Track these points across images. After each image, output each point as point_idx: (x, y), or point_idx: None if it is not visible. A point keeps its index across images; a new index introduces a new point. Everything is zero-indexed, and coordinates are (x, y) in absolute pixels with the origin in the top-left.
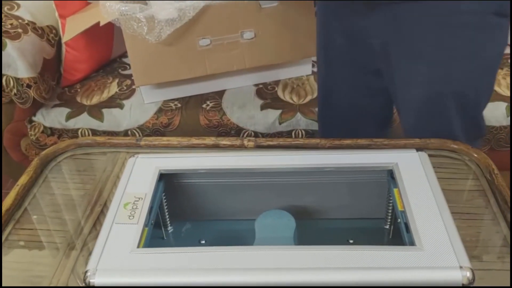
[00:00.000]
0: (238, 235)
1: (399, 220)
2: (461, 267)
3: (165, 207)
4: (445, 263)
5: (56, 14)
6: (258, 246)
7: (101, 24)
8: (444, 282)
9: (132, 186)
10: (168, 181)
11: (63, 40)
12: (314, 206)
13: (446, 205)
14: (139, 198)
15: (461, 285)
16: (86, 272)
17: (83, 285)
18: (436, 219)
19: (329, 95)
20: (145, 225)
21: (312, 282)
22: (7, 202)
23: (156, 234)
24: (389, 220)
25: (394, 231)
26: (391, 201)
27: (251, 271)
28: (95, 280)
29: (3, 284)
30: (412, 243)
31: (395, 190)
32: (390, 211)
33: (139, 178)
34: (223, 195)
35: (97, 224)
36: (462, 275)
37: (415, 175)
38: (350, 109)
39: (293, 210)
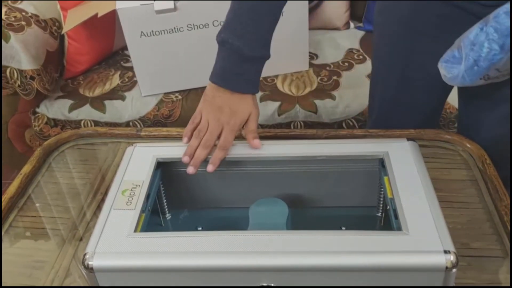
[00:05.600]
0: (234, 222)
1: (388, 207)
2: (445, 251)
3: (163, 195)
4: (430, 247)
5: (58, 6)
6: (251, 231)
7: (99, 15)
8: (428, 265)
9: (130, 174)
10: (165, 170)
11: (63, 31)
12: (307, 195)
13: (433, 192)
14: (136, 185)
15: (445, 268)
16: (85, 255)
17: (82, 267)
18: (423, 205)
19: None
20: (142, 211)
21: (301, 265)
22: (10, 190)
23: (155, 221)
24: (380, 208)
25: (385, 219)
26: (382, 189)
27: (245, 254)
28: (93, 263)
29: (5, 268)
30: (399, 228)
31: (386, 178)
32: (381, 199)
33: (137, 166)
34: (219, 183)
35: (98, 212)
36: (446, 259)
37: (405, 164)
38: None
39: (287, 198)
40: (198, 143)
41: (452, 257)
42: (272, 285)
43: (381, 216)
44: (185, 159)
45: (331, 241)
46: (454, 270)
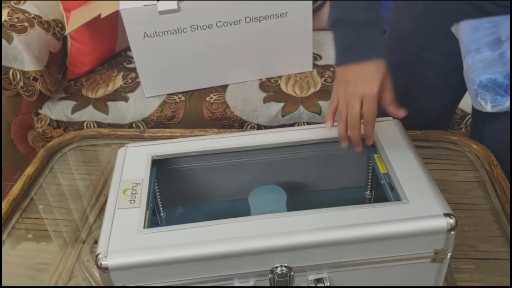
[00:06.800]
0: (233, 214)
1: (382, 182)
2: (445, 215)
3: (157, 194)
4: (430, 212)
5: (61, 7)
6: (260, 215)
7: (102, 16)
8: (431, 229)
9: (127, 173)
10: (159, 168)
11: (66, 32)
12: (301, 180)
13: (423, 163)
14: (136, 184)
15: (446, 231)
16: (97, 255)
17: (96, 268)
18: (417, 175)
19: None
20: (147, 208)
21: (306, 242)
22: (14, 191)
23: (151, 220)
24: (369, 186)
25: (375, 195)
26: (370, 168)
27: (255, 238)
28: (107, 262)
29: (8, 269)
30: (397, 199)
31: (376, 155)
32: (370, 177)
33: (132, 166)
34: (214, 176)
35: (101, 214)
36: (446, 222)
37: (393, 140)
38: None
39: (282, 185)
40: (345, 126)
41: (451, 220)
42: (285, 265)
43: (371, 194)
44: (344, 146)
45: (336, 217)
46: (453, 232)
